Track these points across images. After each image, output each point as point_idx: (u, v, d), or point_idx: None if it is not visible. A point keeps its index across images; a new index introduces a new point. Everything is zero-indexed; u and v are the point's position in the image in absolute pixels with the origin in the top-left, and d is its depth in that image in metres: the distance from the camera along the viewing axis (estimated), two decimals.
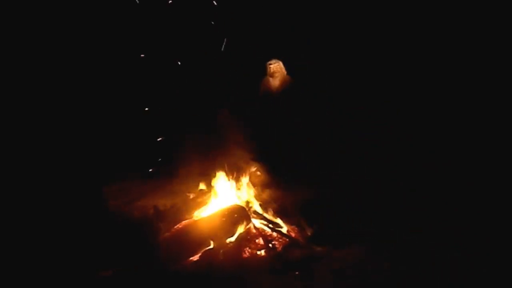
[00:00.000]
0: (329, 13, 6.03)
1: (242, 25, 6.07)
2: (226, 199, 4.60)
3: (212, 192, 4.63)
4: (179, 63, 5.82)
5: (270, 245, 4.12)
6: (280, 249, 4.07)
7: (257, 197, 4.60)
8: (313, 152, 5.32)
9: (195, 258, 3.93)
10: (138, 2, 5.38)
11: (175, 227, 4.29)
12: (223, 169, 4.63)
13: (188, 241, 3.99)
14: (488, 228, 4.05)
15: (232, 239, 4.11)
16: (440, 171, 4.96)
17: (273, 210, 4.46)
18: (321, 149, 5.38)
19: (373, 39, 5.87)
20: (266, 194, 4.63)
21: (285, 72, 5.51)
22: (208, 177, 4.73)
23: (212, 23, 5.94)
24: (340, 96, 5.93)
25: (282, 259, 3.88)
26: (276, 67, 5.46)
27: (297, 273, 3.66)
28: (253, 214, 4.44)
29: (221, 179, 4.64)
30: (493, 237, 3.91)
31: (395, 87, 5.72)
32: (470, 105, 5.30)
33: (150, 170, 5.48)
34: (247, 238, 4.17)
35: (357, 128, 5.74)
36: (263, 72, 5.55)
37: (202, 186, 4.78)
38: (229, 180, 4.64)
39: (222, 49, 5.77)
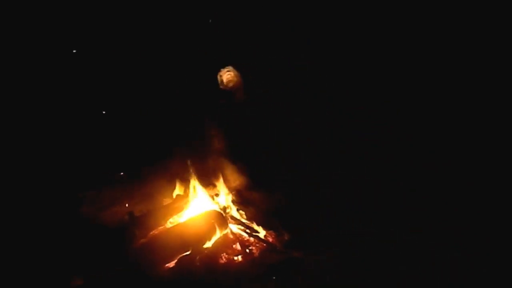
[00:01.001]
0: (329, 13, 5.95)
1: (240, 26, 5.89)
2: (203, 204, 4.56)
3: (189, 198, 4.59)
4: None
5: (247, 250, 4.10)
6: (257, 254, 4.07)
7: (234, 202, 4.59)
8: (301, 154, 5.28)
9: (172, 264, 3.88)
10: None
11: (151, 233, 4.23)
12: (199, 173, 4.59)
13: (164, 247, 3.92)
14: (488, 228, 4.09)
15: (209, 244, 4.07)
16: (440, 172, 4.99)
17: (250, 215, 4.46)
18: (312, 150, 5.34)
19: (373, 39, 5.83)
20: (243, 199, 4.61)
21: (241, 81, 5.12)
22: (184, 182, 4.68)
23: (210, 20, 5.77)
24: (339, 97, 5.82)
25: (259, 264, 3.87)
26: (229, 76, 5.09)
27: (274, 278, 3.65)
28: (230, 219, 4.42)
29: (197, 184, 4.60)
30: (493, 237, 3.96)
31: (395, 88, 5.70)
32: (470, 105, 5.33)
33: (122, 173, 5.36)
34: (224, 244, 4.14)
35: (354, 128, 5.67)
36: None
37: (178, 191, 4.73)
38: (205, 185, 4.62)
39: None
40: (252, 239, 4.28)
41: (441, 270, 3.58)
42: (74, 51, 5.51)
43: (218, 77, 5.16)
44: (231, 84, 5.11)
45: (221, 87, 5.16)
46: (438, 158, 5.19)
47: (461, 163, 5.07)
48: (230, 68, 5.15)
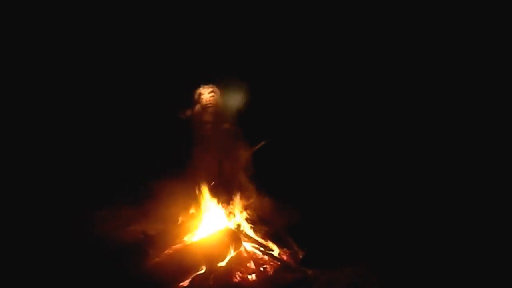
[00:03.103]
0: (329, 13, 5.93)
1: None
2: (216, 222, 4.56)
3: (203, 216, 4.59)
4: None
5: (262, 268, 4.07)
6: (271, 272, 4.03)
7: (248, 219, 4.57)
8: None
9: (185, 283, 3.86)
10: None
11: (165, 252, 4.23)
12: (213, 192, 4.60)
13: (178, 266, 3.92)
14: (488, 228, 4.07)
15: (223, 263, 4.05)
16: (440, 174, 4.94)
17: (264, 233, 4.43)
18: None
19: (373, 39, 5.81)
20: (257, 217, 4.60)
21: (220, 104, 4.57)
22: (198, 200, 4.69)
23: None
24: (339, 98, 5.78)
25: (273, 283, 3.83)
26: (211, 97, 4.52)
27: None
28: (244, 237, 4.39)
29: (211, 203, 4.61)
30: (493, 237, 3.92)
31: (394, 88, 5.66)
32: (470, 105, 5.27)
33: (138, 193, 5.37)
34: (238, 262, 4.11)
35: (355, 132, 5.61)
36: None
37: (192, 209, 4.74)
38: (219, 203, 4.62)
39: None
40: (266, 257, 4.24)
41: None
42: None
43: (197, 94, 4.59)
44: (210, 109, 4.53)
45: (197, 104, 4.58)
46: (437, 160, 5.13)
47: (461, 164, 5.02)
48: (215, 88, 4.61)
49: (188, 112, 4.66)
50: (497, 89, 5.18)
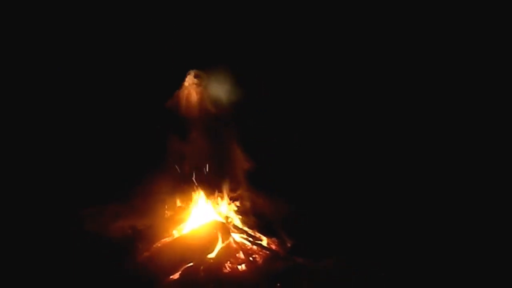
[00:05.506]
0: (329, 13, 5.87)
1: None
2: (205, 215, 4.57)
3: (191, 209, 4.61)
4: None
5: (251, 258, 4.11)
6: (261, 262, 4.07)
7: (236, 211, 4.60)
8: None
9: (176, 276, 3.88)
10: None
11: (154, 246, 4.24)
12: (200, 184, 4.61)
13: (168, 259, 3.94)
14: (488, 228, 4.13)
15: (213, 254, 4.08)
16: (439, 174, 4.99)
17: (252, 223, 4.46)
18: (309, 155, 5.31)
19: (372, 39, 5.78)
20: (245, 207, 4.62)
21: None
22: (186, 193, 4.70)
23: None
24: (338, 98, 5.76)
25: (263, 272, 3.88)
26: (197, 79, 4.71)
27: (278, 285, 3.66)
28: (232, 228, 4.43)
29: (199, 195, 4.62)
30: (493, 237, 4.00)
31: (394, 88, 5.65)
32: (470, 105, 5.30)
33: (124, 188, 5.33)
34: (227, 253, 4.15)
35: (355, 131, 5.61)
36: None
37: (179, 203, 4.74)
38: (207, 196, 4.63)
39: None
40: (255, 247, 4.28)
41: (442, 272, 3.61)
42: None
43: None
44: (196, 89, 4.69)
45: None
46: (436, 160, 5.18)
47: (461, 164, 5.07)
48: (201, 72, 4.73)
49: (175, 98, 4.69)
50: (497, 89, 5.22)
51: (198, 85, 4.71)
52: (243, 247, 4.26)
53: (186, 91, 4.73)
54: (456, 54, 5.39)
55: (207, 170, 4.72)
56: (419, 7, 5.45)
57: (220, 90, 4.76)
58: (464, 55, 5.35)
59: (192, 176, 4.65)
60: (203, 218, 4.51)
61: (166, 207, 4.73)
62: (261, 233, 4.41)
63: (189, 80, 4.73)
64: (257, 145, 5.13)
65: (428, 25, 5.46)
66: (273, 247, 4.29)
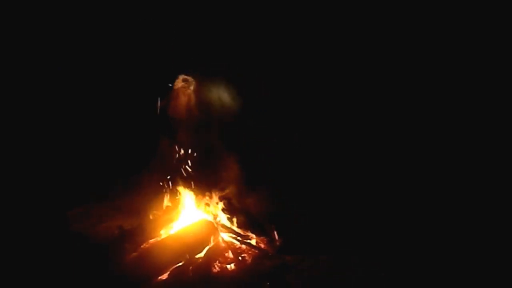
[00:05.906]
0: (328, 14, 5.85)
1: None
2: (193, 214, 4.55)
3: (179, 208, 4.58)
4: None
5: (240, 257, 4.10)
6: (250, 261, 4.06)
7: (224, 210, 4.58)
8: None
9: (164, 276, 3.85)
10: None
11: (142, 246, 4.20)
12: (188, 184, 4.58)
13: (156, 259, 3.90)
14: (488, 228, 4.15)
15: (201, 254, 4.06)
16: (437, 173, 5.02)
17: (240, 222, 4.45)
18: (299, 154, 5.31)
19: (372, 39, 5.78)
20: (233, 206, 4.60)
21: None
22: (174, 193, 4.67)
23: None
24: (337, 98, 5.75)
25: (252, 271, 3.87)
26: (186, 82, 4.78)
27: (268, 283, 3.65)
28: (221, 228, 4.41)
29: (187, 195, 4.60)
30: (493, 237, 4.02)
31: (394, 88, 5.66)
32: (470, 106, 5.33)
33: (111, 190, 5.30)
34: (216, 252, 4.13)
35: (346, 130, 5.62)
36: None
37: (167, 202, 4.71)
38: (195, 195, 4.61)
39: None
40: (244, 246, 4.28)
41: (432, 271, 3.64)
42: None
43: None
44: (184, 91, 4.75)
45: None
46: (435, 160, 5.21)
47: (461, 164, 5.11)
48: (190, 77, 4.77)
49: (164, 100, 4.77)
50: (497, 89, 5.26)
51: (186, 88, 4.77)
52: (232, 246, 4.25)
53: (175, 93, 4.77)
54: (456, 54, 5.44)
55: (196, 170, 4.70)
56: (419, 7, 5.50)
57: (213, 93, 4.81)
58: (464, 55, 5.40)
59: (180, 176, 4.61)
60: (191, 218, 4.49)
61: (153, 207, 4.71)
62: (250, 232, 4.39)
63: (178, 84, 4.77)
64: (257, 145, 5.14)
65: (428, 25, 5.51)
66: (262, 245, 4.28)
